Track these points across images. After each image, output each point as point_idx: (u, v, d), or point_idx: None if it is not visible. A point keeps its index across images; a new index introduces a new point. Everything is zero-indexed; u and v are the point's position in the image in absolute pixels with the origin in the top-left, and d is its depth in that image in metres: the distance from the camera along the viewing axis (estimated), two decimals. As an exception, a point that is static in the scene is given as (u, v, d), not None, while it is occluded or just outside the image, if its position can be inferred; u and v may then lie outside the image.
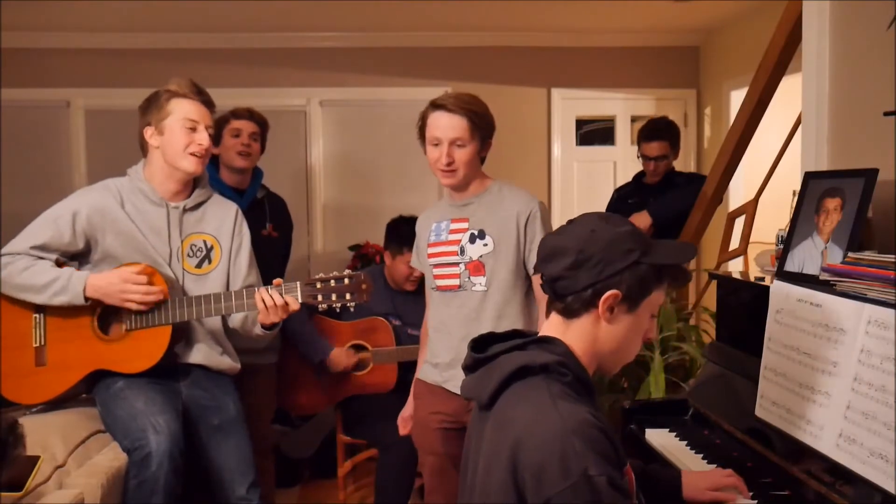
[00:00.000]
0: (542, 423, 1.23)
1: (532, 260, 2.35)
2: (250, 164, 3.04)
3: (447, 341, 2.37)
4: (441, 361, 2.39)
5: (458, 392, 2.28)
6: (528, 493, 1.22)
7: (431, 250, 2.41)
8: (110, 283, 2.24)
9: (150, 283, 2.26)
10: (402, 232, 3.36)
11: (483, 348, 1.45)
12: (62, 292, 2.23)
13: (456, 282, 2.35)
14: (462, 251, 2.35)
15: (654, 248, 1.40)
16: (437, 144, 2.30)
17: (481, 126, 2.32)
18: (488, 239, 2.32)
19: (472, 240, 2.34)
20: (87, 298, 2.24)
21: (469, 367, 1.45)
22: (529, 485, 1.21)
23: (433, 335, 2.44)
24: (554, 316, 1.43)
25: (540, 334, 1.44)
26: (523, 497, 1.23)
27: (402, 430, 2.56)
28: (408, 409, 2.56)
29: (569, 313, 1.39)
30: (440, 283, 2.39)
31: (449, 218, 2.40)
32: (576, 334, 1.39)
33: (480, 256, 2.33)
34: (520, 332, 1.50)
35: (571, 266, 1.35)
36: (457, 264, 2.35)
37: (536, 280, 2.40)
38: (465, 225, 2.37)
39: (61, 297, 2.24)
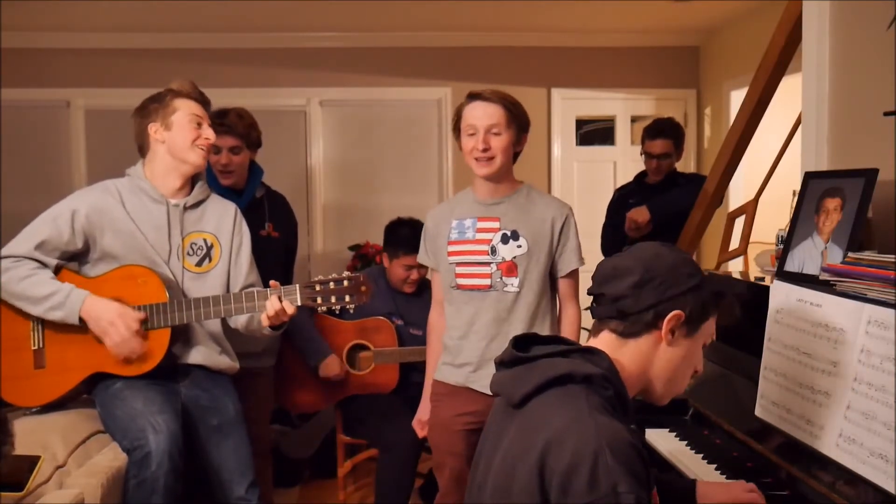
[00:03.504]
0: (576, 430, 1.21)
1: (564, 262, 2.39)
2: (235, 179, 2.96)
3: (475, 342, 2.36)
4: (467, 362, 2.37)
5: (487, 392, 2.27)
6: (551, 499, 1.19)
7: (454, 248, 2.39)
8: (106, 312, 2.22)
9: (142, 335, 2.24)
10: (399, 234, 3.35)
11: (523, 348, 1.43)
12: (58, 308, 2.22)
13: (486, 282, 2.34)
14: (493, 251, 2.34)
15: (709, 278, 1.42)
16: (472, 134, 2.32)
17: (517, 115, 2.35)
18: (522, 240, 2.33)
19: (505, 240, 2.34)
20: (81, 318, 2.23)
21: (505, 363, 1.43)
22: (554, 491, 1.19)
23: (455, 335, 2.40)
24: (606, 335, 1.40)
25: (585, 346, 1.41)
26: (547, 501, 1.20)
27: (420, 434, 2.55)
28: (424, 413, 2.54)
29: (627, 333, 1.38)
30: (464, 282, 2.37)
31: (475, 216, 2.39)
32: (631, 355, 1.38)
33: (514, 257, 2.33)
34: (561, 339, 1.48)
35: (636, 284, 1.35)
36: (487, 264, 2.34)
37: (564, 283, 2.42)
38: (495, 224, 2.36)
39: (57, 313, 2.23)
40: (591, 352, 1.37)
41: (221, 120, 2.85)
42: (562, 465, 1.18)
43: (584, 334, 2.23)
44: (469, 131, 2.32)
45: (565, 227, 2.37)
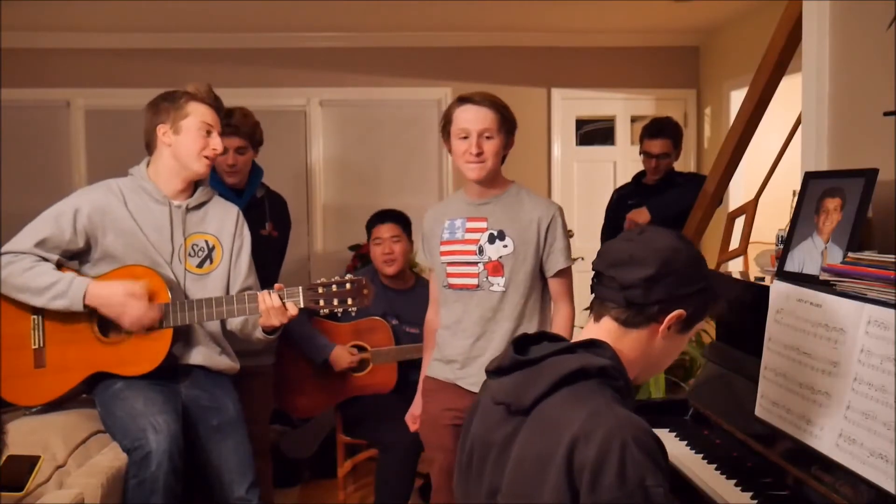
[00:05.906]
0: (600, 424, 1.21)
1: (551, 262, 2.40)
2: (239, 179, 2.99)
3: (462, 340, 2.38)
4: (455, 359, 2.40)
5: (473, 390, 2.31)
6: (582, 494, 1.19)
7: (445, 248, 2.41)
8: (113, 294, 2.23)
9: (151, 300, 2.24)
10: (372, 219, 3.50)
11: (520, 351, 1.41)
12: (62, 296, 2.22)
13: (474, 281, 2.37)
14: (481, 251, 2.36)
15: (713, 277, 1.43)
16: (465, 137, 2.33)
17: (508, 119, 2.39)
18: (508, 240, 2.35)
19: (492, 240, 2.36)
20: (86, 305, 2.23)
21: (505, 370, 1.40)
22: (584, 486, 1.18)
23: (445, 333, 2.44)
24: (608, 321, 1.40)
25: (585, 338, 1.41)
26: (577, 498, 1.20)
27: (412, 428, 2.57)
28: (416, 408, 2.57)
29: (630, 323, 1.38)
30: (454, 281, 2.40)
31: (465, 216, 2.41)
32: (631, 344, 1.39)
33: (500, 257, 2.35)
34: (549, 335, 1.48)
35: (651, 277, 1.34)
36: (475, 264, 2.37)
37: (554, 282, 2.43)
38: (483, 224, 2.38)
39: (60, 302, 2.22)
40: (596, 344, 1.37)
41: (227, 120, 2.84)
42: (589, 460, 1.18)
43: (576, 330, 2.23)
44: (461, 135, 2.34)
45: (552, 227, 2.39)
